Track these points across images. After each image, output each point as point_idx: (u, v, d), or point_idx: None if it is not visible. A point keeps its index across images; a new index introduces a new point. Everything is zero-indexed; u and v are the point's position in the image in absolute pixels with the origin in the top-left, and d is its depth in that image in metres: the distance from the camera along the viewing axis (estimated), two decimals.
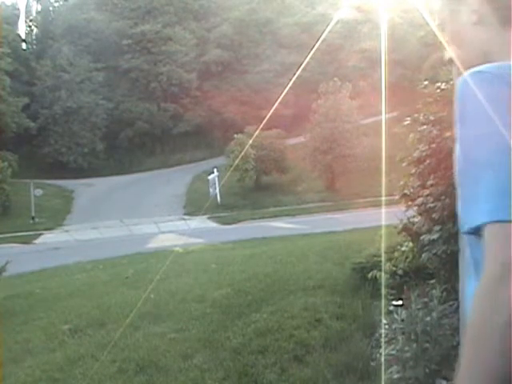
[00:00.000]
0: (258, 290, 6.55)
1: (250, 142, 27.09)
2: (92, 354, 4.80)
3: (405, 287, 4.04)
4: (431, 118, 4.08)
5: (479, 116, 0.96)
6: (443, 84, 4.12)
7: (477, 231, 0.92)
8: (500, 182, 0.90)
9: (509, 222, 0.87)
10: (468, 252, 1.01)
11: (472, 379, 0.79)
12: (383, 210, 7.18)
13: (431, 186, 3.87)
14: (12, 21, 43.11)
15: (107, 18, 43.65)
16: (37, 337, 5.82)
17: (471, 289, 0.92)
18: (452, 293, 3.61)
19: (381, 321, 3.40)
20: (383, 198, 7.45)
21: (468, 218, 0.94)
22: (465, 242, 1.00)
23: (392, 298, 3.92)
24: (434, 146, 3.90)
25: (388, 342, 3.22)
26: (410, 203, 4.42)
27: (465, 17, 1.16)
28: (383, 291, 4.15)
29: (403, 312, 3.21)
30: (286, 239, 14.01)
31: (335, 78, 28.65)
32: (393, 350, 3.13)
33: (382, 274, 4.65)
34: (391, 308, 3.34)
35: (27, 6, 47.51)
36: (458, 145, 0.99)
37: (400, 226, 4.53)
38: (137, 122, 41.93)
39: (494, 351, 0.78)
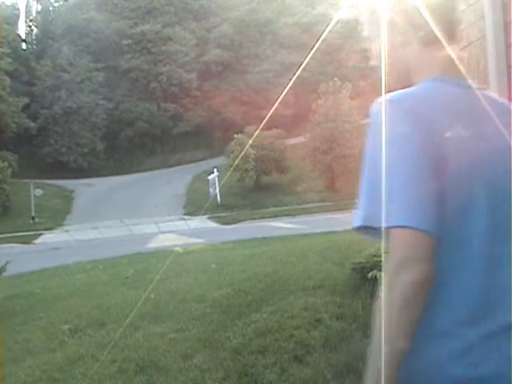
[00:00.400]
0: (258, 290, 6.55)
1: (250, 142, 27.10)
2: (92, 354, 4.80)
3: None
4: None
5: (373, 134, 1.18)
6: None
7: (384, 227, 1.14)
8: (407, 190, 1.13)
9: (410, 228, 1.09)
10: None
11: (380, 328, 1.10)
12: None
13: None
14: (12, 21, 43.15)
15: (107, 18, 43.67)
16: (37, 337, 5.82)
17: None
18: None
19: None
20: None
21: (376, 215, 1.14)
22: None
23: None
24: None
25: None
26: None
27: (392, 36, 1.33)
28: None
29: None
30: (286, 239, 14.00)
31: (335, 78, 28.66)
32: None
33: (382, 274, 4.64)
34: None
35: (27, 6, 47.60)
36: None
37: None
38: (137, 122, 41.96)
39: (395, 314, 1.10)
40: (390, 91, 1.24)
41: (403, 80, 1.33)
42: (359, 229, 1.19)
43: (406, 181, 1.12)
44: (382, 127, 1.15)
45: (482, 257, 1.17)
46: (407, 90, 1.25)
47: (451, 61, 1.32)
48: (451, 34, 1.31)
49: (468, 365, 1.13)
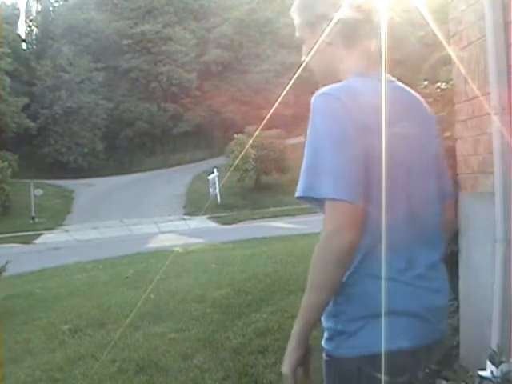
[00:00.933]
0: (258, 290, 6.55)
1: (250, 142, 27.09)
2: (92, 353, 4.80)
3: None
4: None
5: (312, 121, 1.40)
6: (443, 84, 4.11)
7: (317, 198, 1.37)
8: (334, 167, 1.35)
9: (341, 201, 1.32)
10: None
11: (310, 287, 1.39)
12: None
13: None
14: (12, 21, 43.14)
15: (107, 18, 43.67)
16: (37, 337, 5.82)
17: None
18: (452, 293, 3.61)
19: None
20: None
21: (314, 187, 1.36)
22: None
23: None
24: None
25: None
26: None
27: (321, 38, 1.53)
28: None
29: None
30: (286, 239, 14.00)
31: None
32: None
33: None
34: None
35: (27, 6, 47.59)
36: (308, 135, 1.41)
37: None
38: (137, 122, 41.96)
39: (324, 274, 1.36)
40: (323, 85, 1.46)
41: (331, 76, 1.54)
42: (301, 198, 1.41)
43: (337, 159, 1.35)
44: (317, 116, 1.40)
45: (406, 223, 1.44)
46: (338, 84, 1.46)
47: (370, 58, 1.53)
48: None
49: (406, 300, 1.44)
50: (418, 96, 1.63)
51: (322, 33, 1.53)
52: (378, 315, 1.42)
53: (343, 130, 1.36)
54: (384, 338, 1.42)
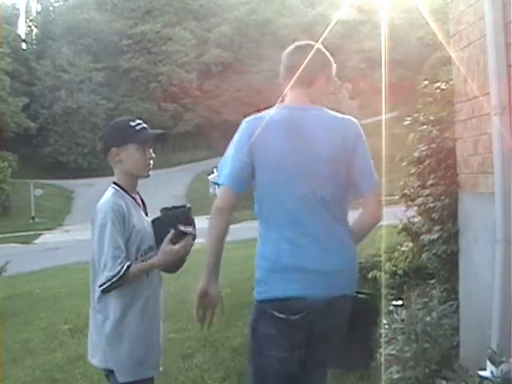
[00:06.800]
0: None
1: None
2: None
3: (405, 287, 4.03)
4: (431, 118, 4.07)
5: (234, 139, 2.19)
6: (443, 84, 4.11)
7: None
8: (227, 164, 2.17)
9: (224, 186, 2.12)
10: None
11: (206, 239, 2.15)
12: (383, 209, 7.16)
13: (431, 186, 3.86)
14: (12, 21, 43.08)
15: (107, 18, 43.63)
16: (37, 337, 5.82)
17: None
18: (452, 293, 3.61)
19: (380, 321, 3.40)
20: (383, 198, 7.43)
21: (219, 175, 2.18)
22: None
23: (392, 298, 3.91)
24: (434, 145, 3.88)
25: (388, 342, 3.21)
26: (409, 203, 4.40)
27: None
28: (383, 291, 4.15)
29: (403, 312, 3.20)
30: None
31: (335, 78, 28.61)
32: (393, 350, 3.12)
33: (382, 273, 4.65)
34: (391, 308, 3.33)
35: (27, 6, 47.50)
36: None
37: (400, 226, 4.52)
38: None
39: (210, 243, 2.23)
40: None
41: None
42: (215, 184, 2.26)
43: (230, 157, 2.15)
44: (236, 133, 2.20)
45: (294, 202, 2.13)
46: (262, 112, 2.17)
47: (299, 95, 2.19)
48: (310, 81, 2.20)
49: (299, 258, 2.06)
50: (336, 120, 2.19)
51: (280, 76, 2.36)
52: (279, 270, 2.06)
53: (240, 140, 2.15)
54: (282, 287, 2.03)
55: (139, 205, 2.47)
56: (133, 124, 2.38)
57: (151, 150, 2.42)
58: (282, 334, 2.04)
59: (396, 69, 32.60)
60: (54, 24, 44.62)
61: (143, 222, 2.43)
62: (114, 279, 2.20)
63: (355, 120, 2.20)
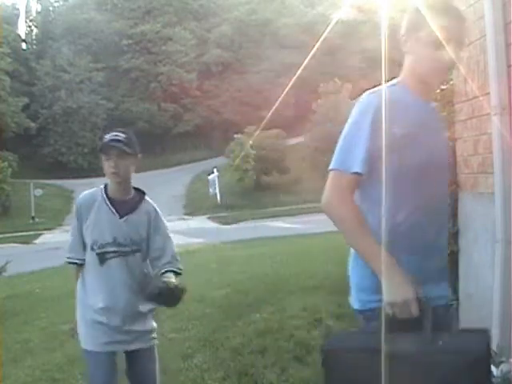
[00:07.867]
0: (258, 290, 6.55)
1: (250, 142, 27.09)
2: None
3: None
4: None
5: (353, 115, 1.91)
6: (443, 84, 4.11)
7: None
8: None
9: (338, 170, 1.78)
10: None
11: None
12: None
13: None
14: (12, 21, 43.12)
15: (107, 18, 43.65)
16: (37, 337, 5.82)
17: None
18: (452, 293, 3.61)
19: None
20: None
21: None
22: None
23: None
24: None
25: None
26: None
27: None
28: None
29: None
30: (286, 239, 13.99)
31: (335, 78, 28.64)
32: None
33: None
34: None
35: (27, 6, 47.55)
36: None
37: None
38: (137, 122, 41.89)
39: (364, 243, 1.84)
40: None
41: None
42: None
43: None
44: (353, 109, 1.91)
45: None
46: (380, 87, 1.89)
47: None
48: None
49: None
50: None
51: None
52: None
53: (367, 120, 1.94)
54: None
55: (113, 205, 2.76)
56: (106, 136, 2.69)
57: (114, 162, 2.71)
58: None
59: (396, 69, 32.56)
60: (54, 24, 44.65)
61: (105, 218, 2.72)
62: None
63: None
